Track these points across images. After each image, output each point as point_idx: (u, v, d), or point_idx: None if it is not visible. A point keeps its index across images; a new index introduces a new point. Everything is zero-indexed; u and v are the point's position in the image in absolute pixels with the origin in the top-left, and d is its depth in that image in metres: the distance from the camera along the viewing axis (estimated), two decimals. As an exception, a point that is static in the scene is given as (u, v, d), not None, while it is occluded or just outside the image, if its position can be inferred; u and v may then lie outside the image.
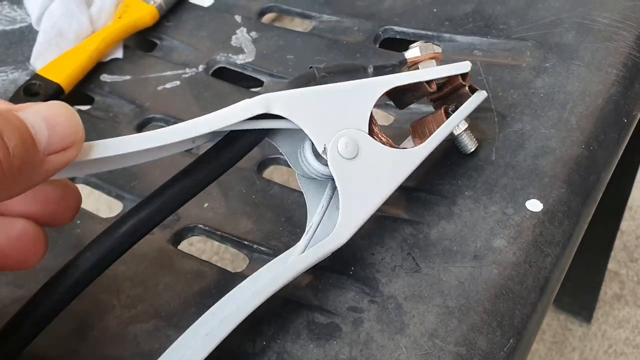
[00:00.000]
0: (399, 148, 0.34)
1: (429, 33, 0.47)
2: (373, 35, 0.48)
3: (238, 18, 0.52)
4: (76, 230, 0.39)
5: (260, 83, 0.48)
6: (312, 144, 0.32)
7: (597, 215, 0.70)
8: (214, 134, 0.31)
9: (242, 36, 0.51)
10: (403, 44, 0.48)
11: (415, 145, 0.35)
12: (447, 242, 0.34)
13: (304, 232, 0.32)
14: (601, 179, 0.37)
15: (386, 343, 0.31)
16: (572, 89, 0.40)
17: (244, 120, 0.30)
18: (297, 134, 0.32)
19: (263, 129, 0.32)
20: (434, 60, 0.37)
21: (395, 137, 0.35)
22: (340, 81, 0.33)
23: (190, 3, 0.55)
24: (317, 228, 0.32)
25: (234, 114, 0.30)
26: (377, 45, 0.48)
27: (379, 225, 0.36)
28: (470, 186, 0.37)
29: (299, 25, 0.57)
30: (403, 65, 0.37)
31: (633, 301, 0.82)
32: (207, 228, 0.39)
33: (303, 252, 0.31)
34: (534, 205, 0.35)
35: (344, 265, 0.34)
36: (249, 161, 0.42)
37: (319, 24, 0.51)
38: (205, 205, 0.40)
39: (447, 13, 0.47)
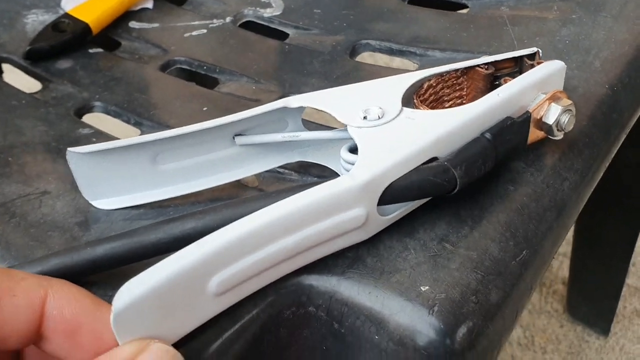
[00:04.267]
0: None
1: (458, -9, 0.47)
2: (401, -8, 0.48)
3: (268, -23, 0.53)
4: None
5: (285, 36, 0.49)
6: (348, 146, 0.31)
7: (614, 220, 0.69)
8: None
9: (271, -8, 0.51)
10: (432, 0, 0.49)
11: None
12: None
13: None
14: (624, 118, 0.37)
15: (394, 245, 0.30)
16: (597, 37, 0.40)
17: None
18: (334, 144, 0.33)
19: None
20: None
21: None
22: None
23: (223, -38, 0.56)
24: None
25: (254, 110, 0.33)
26: (406, 2, 0.48)
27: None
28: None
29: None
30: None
31: (654, 318, 0.80)
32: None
33: None
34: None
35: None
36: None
37: (348, -17, 0.51)
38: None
39: (476, -28, 0.47)
